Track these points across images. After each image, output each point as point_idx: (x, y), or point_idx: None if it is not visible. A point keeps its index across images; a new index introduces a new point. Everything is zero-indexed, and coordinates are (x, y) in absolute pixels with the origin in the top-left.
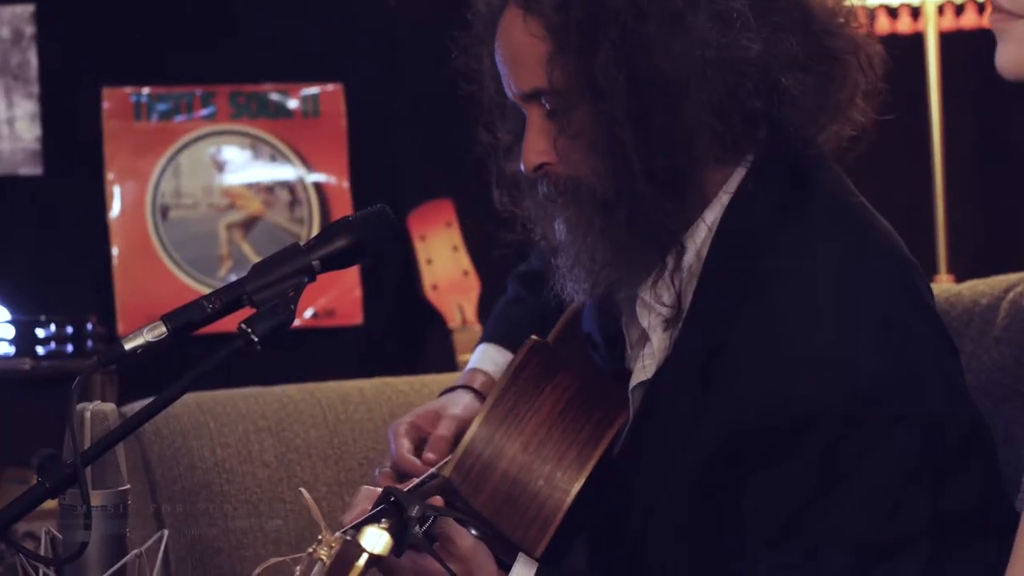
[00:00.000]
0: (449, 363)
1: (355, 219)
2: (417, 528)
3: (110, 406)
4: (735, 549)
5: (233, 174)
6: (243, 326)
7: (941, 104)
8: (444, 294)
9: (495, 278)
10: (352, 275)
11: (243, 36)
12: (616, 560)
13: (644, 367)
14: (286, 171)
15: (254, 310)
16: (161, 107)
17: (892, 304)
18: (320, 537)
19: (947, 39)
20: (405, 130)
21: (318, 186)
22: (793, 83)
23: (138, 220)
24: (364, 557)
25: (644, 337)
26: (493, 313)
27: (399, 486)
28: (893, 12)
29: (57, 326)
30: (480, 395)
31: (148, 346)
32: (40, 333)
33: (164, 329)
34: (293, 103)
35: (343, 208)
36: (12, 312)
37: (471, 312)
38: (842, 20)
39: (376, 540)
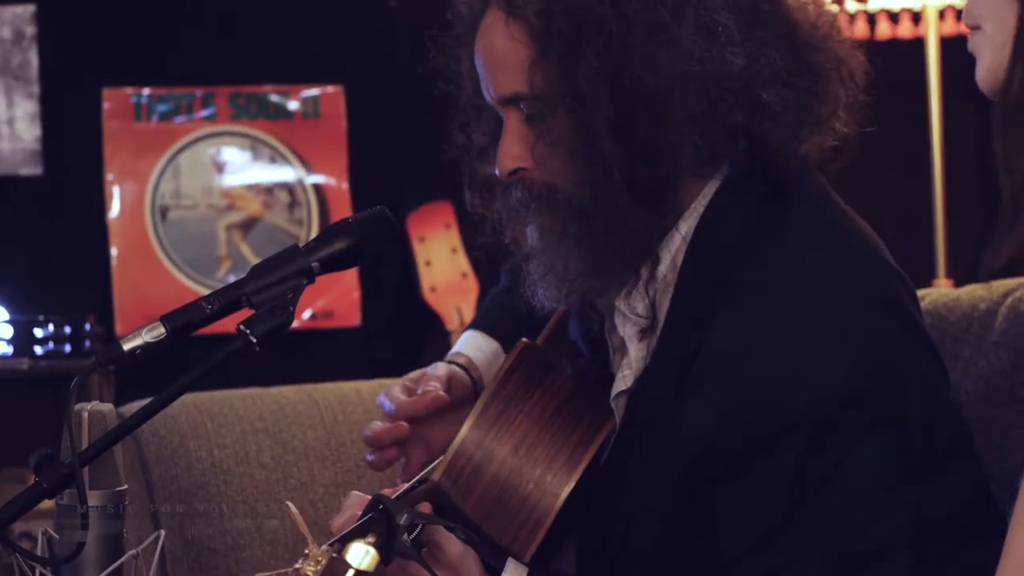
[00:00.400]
0: None
1: (354, 221)
2: (405, 536)
3: (108, 406)
4: (716, 559)
5: (233, 175)
6: (242, 327)
7: (941, 108)
8: (443, 296)
9: (494, 280)
10: (351, 277)
11: (243, 37)
12: (602, 567)
13: (623, 377)
14: (286, 172)
15: (253, 311)
16: (161, 108)
17: (869, 311)
18: (307, 551)
19: (948, 44)
20: (405, 132)
21: (317, 188)
22: (775, 98)
23: (137, 220)
24: (350, 573)
25: (624, 346)
26: (484, 301)
27: (387, 492)
28: (894, 17)
29: (55, 326)
30: (461, 368)
31: (146, 347)
32: (38, 333)
33: (163, 330)
34: (293, 104)
35: (342, 210)
36: (10, 312)
37: (470, 314)
38: (824, 34)
39: (362, 556)
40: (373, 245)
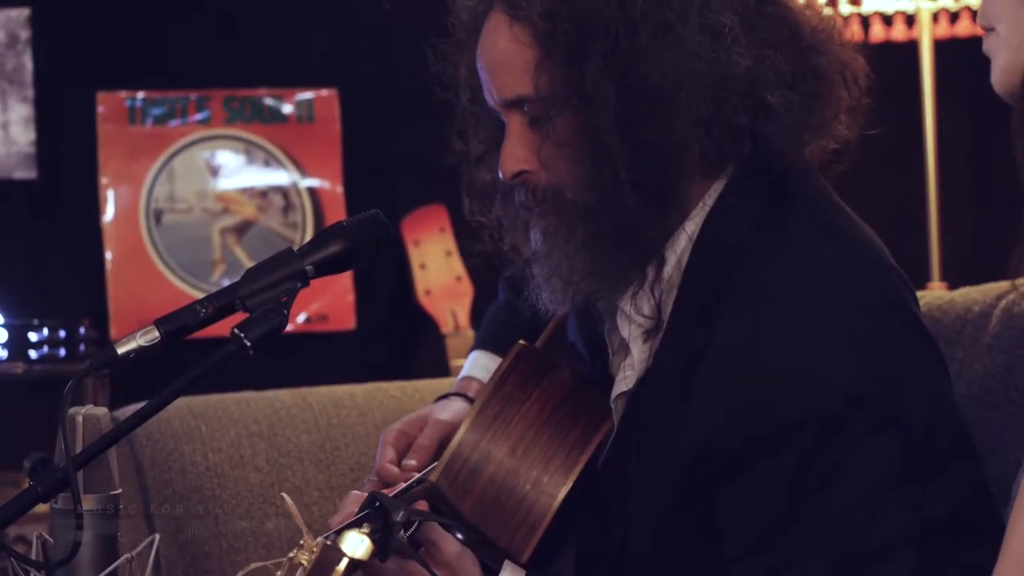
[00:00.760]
0: (442, 368)
1: (349, 224)
2: (402, 533)
3: (102, 410)
4: (715, 559)
5: (227, 179)
6: (236, 331)
7: (935, 111)
8: (437, 299)
9: (488, 283)
10: (345, 280)
11: (238, 41)
12: (601, 568)
13: (625, 378)
14: (280, 176)
15: (247, 315)
16: (155, 111)
17: (873, 312)
18: (302, 542)
19: (941, 46)
20: (399, 135)
21: (312, 191)
22: (779, 100)
23: (132, 224)
24: (345, 561)
25: (625, 346)
26: (485, 319)
27: (386, 491)
28: (888, 19)
29: (50, 330)
30: (472, 402)
31: (141, 350)
32: (33, 337)
33: (157, 333)
34: (287, 108)
35: (337, 213)
36: (5, 316)
37: (464, 317)
38: (827, 37)
39: (357, 544)
40: (367, 248)
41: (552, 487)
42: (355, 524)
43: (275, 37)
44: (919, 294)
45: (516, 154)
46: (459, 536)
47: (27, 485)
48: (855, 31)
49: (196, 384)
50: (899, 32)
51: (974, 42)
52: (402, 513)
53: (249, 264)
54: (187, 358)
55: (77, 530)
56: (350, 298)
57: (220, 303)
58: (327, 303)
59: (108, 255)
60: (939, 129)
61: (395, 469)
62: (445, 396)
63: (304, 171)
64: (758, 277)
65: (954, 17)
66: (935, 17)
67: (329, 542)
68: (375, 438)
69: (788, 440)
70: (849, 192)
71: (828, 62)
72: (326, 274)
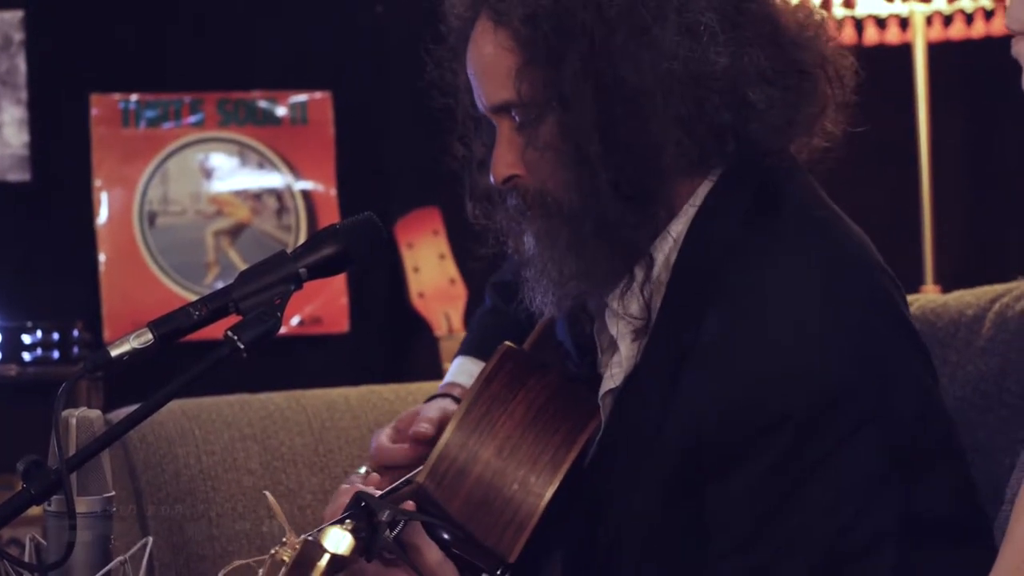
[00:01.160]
0: (435, 371)
1: (342, 227)
2: (387, 532)
3: (96, 413)
4: (703, 557)
5: (221, 181)
6: (229, 333)
7: (929, 115)
8: (431, 302)
9: (482, 286)
10: (339, 283)
11: (231, 43)
12: (589, 566)
13: (612, 375)
14: (274, 178)
15: (240, 317)
16: (149, 114)
17: (859, 310)
18: (284, 539)
19: (935, 50)
20: (393, 138)
21: (306, 194)
22: (760, 97)
23: (125, 227)
24: (326, 557)
25: (613, 345)
26: (471, 324)
27: (372, 492)
28: (881, 23)
29: (43, 332)
30: (456, 400)
31: (134, 353)
32: (26, 339)
33: (150, 336)
34: (281, 110)
35: (330, 216)
36: None
37: (458, 320)
38: (812, 34)
39: (339, 541)
40: (361, 251)
41: (539, 486)
42: (339, 522)
43: (269, 40)
44: (913, 297)
45: (505, 159)
46: (446, 536)
47: (20, 487)
48: (848, 34)
49: (190, 386)
50: (893, 35)
51: (968, 45)
52: (387, 512)
53: (243, 267)
54: (180, 361)
55: (71, 532)
56: (344, 301)
57: (213, 306)
58: (321, 306)
59: (102, 257)
60: (933, 132)
61: (393, 446)
62: (432, 398)
63: (298, 174)
64: (744, 275)
65: (948, 20)
66: (929, 20)
67: (311, 538)
68: (369, 441)
69: (772, 437)
70: (843, 194)
71: (812, 58)
72: (319, 277)
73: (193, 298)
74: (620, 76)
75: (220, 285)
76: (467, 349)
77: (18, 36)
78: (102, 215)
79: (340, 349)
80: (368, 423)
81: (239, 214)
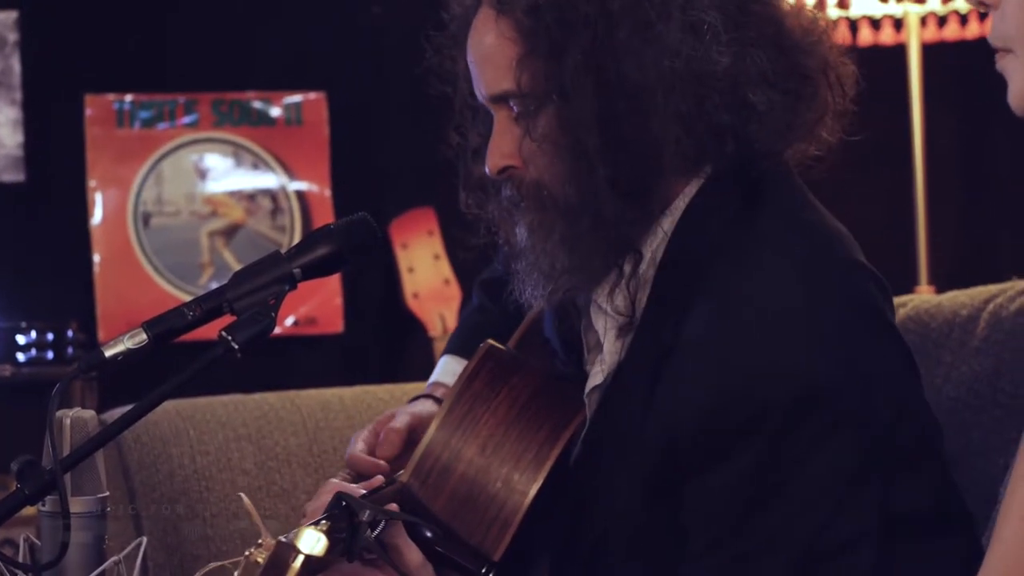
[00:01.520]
0: (430, 372)
1: (336, 227)
2: (369, 532)
3: (90, 413)
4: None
5: (215, 182)
6: (223, 334)
7: (923, 115)
8: (425, 302)
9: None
10: (333, 283)
11: (226, 44)
12: (574, 565)
13: (598, 372)
14: (268, 179)
15: (235, 318)
16: (143, 114)
17: (839, 309)
18: (260, 541)
19: (929, 51)
20: (388, 139)
21: (300, 194)
22: (761, 99)
23: (120, 227)
24: (300, 559)
25: (599, 342)
26: (458, 324)
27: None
28: (876, 23)
29: (38, 332)
30: (438, 401)
31: (128, 353)
32: (21, 339)
33: (145, 336)
34: (276, 111)
35: (325, 216)
36: None
37: (452, 321)
38: (815, 39)
39: (313, 542)
40: (355, 252)
41: (523, 484)
42: (316, 523)
43: (263, 40)
44: (907, 298)
45: (501, 149)
46: (429, 535)
47: (14, 488)
48: (843, 35)
49: (184, 387)
50: (887, 36)
51: (962, 46)
52: (368, 513)
53: (237, 267)
54: (175, 361)
55: (65, 532)
56: (338, 301)
57: (208, 306)
58: (315, 306)
59: (96, 258)
60: (927, 133)
61: (365, 457)
62: (415, 399)
63: (292, 174)
64: (728, 273)
65: (942, 21)
66: (923, 21)
67: (284, 540)
68: None
69: (752, 435)
70: (837, 196)
71: (814, 63)
72: (314, 277)
73: (187, 298)
74: (622, 71)
75: (214, 285)
76: (452, 348)
77: (12, 36)
78: (96, 215)
79: (334, 349)
80: (362, 423)
81: (234, 215)
